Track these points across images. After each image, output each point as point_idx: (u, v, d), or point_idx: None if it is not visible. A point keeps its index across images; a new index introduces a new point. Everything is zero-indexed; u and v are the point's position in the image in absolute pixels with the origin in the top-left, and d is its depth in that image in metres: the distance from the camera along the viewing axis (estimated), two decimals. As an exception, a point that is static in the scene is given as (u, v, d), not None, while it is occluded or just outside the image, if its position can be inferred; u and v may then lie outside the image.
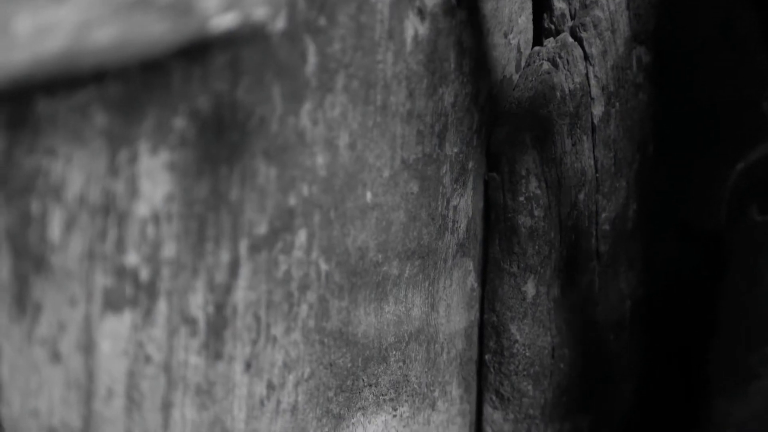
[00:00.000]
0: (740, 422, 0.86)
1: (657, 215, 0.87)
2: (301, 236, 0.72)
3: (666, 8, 0.84)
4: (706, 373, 0.89)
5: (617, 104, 0.83)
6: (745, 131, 0.86)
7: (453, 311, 0.84)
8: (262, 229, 0.69)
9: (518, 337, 0.84)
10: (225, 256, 0.68)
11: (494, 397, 0.86)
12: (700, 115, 0.87)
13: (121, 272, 0.64)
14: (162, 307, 0.66)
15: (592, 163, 0.83)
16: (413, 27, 0.74)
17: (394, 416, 0.82)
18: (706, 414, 0.88)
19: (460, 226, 0.81)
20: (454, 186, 0.78)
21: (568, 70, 0.81)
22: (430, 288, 0.80)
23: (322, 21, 0.69)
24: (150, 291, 0.66)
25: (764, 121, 0.87)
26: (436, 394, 0.84)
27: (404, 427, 0.82)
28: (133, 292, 0.65)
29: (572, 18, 0.82)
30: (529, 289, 0.83)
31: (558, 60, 0.81)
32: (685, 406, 0.91)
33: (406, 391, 0.82)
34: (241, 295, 0.70)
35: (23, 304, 0.62)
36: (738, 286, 0.86)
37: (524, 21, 0.82)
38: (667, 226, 0.87)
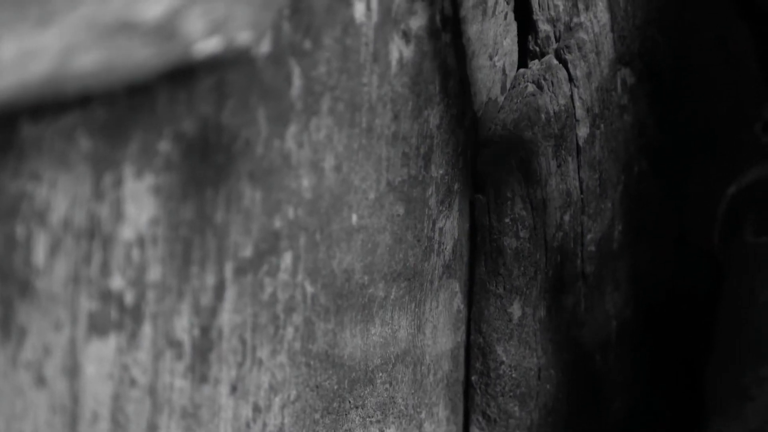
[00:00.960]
0: None
1: (651, 234, 0.88)
2: (287, 259, 0.72)
3: (654, 29, 0.85)
4: (701, 393, 0.89)
5: (602, 126, 0.84)
6: (740, 150, 0.87)
7: (439, 333, 0.84)
8: (247, 251, 0.70)
9: (504, 359, 0.84)
10: (210, 279, 0.68)
11: (481, 419, 0.86)
12: (695, 134, 0.87)
13: (106, 296, 0.64)
14: (147, 330, 0.66)
15: (578, 184, 0.83)
16: (398, 50, 0.74)
17: (381, 438, 0.82)
18: None
19: (446, 248, 0.81)
20: (440, 208, 0.79)
21: (552, 92, 0.81)
22: (417, 310, 0.81)
23: (307, 44, 0.69)
24: (135, 314, 0.66)
25: (758, 143, 0.87)
26: (422, 415, 0.84)
27: (391, 448, 0.83)
28: (118, 316, 0.65)
29: (557, 40, 0.82)
30: (515, 310, 0.83)
31: (543, 82, 0.81)
32: (680, 425, 0.91)
33: (392, 413, 0.82)
34: (226, 317, 0.70)
35: (8, 328, 0.62)
36: (732, 306, 0.86)
37: (509, 43, 0.82)
38: (662, 245, 0.88)
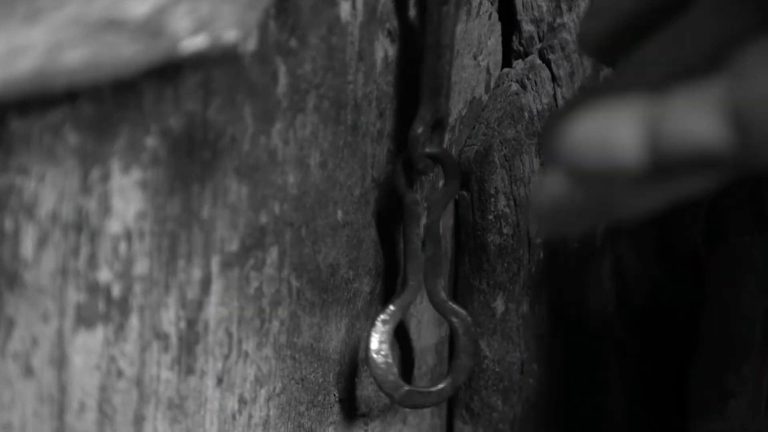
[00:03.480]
0: None
1: (634, 235, 0.88)
2: (273, 253, 0.73)
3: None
4: (684, 393, 0.90)
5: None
6: None
7: (424, 328, 0.85)
8: (233, 246, 0.71)
9: (488, 353, 0.85)
10: (197, 273, 0.69)
11: (464, 412, 0.87)
12: None
13: (94, 288, 0.65)
14: (134, 322, 0.67)
15: (560, 182, 0.84)
16: (383, 48, 0.75)
17: (365, 431, 0.83)
18: None
19: (430, 244, 0.82)
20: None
21: (536, 92, 0.82)
22: (401, 304, 0.81)
23: (293, 42, 0.70)
24: (122, 307, 0.67)
25: None
26: (406, 409, 0.85)
27: (376, 441, 0.84)
28: (106, 308, 0.66)
29: (540, 40, 0.83)
30: (499, 305, 0.84)
31: (526, 81, 0.82)
32: (663, 426, 0.92)
33: (377, 407, 0.83)
34: (212, 311, 0.71)
35: (-4, 319, 0.63)
36: (716, 306, 0.87)
37: (493, 43, 0.83)
38: (646, 246, 0.88)
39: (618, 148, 0.50)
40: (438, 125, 0.77)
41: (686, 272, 0.88)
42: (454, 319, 0.78)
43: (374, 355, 0.78)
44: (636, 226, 0.87)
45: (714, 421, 0.86)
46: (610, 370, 0.90)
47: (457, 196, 0.83)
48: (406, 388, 0.78)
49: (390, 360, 0.78)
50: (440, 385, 0.79)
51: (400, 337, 0.84)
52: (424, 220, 0.77)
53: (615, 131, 0.50)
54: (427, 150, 0.76)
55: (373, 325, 0.78)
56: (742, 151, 0.48)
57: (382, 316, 0.78)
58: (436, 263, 0.77)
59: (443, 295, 0.78)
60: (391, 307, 0.78)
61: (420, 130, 0.75)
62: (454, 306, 0.78)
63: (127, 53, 0.58)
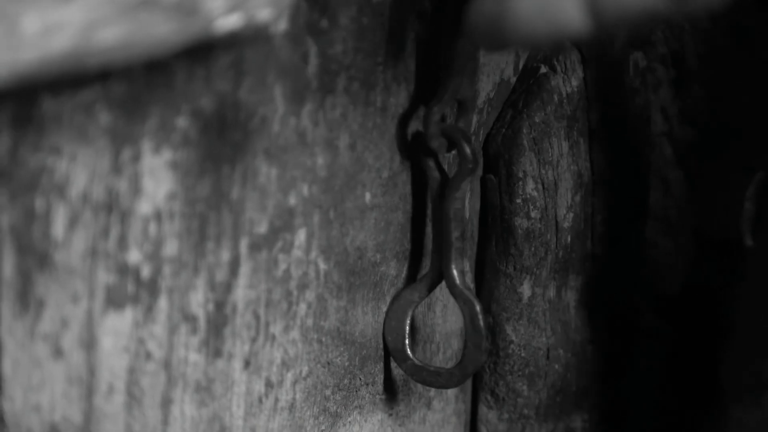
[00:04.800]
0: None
1: (669, 220, 0.87)
2: (301, 236, 0.72)
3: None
4: (720, 381, 0.89)
5: (614, 107, 0.84)
6: (760, 139, 0.86)
7: (449, 312, 0.84)
8: (262, 228, 0.70)
9: (513, 338, 0.85)
10: (225, 255, 0.69)
11: (489, 397, 0.87)
12: (717, 121, 0.87)
13: (123, 269, 0.65)
14: (163, 304, 0.67)
15: (589, 165, 0.84)
16: (413, 29, 0.75)
17: (390, 415, 0.82)
18: (721, 422, 0.88)
19: (457, 227, 0.82)
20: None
21: (565, 74, 0.82)
22: (427, 288, 0.81)
23: (324, 23, 0.70)
24: (151, 288, 0.66)
25: None
26: (431, 393, 0.85)
27: (400, 426, 0.83)
28: (135, 290, 0.66)
29: (570, 22, 0.82)
30: (525, 290, 0.84)
31: (556, 63, 0.82)
32: (696, 413, 0.91)
33: (402, 391, 0.82)
34: (241, 293, 0.70)
35: (26, 300, 0.62)
36: (756, 294, 0.86)
37: (523, 25, 0.83)
38: (682, 236, 0.88)
39: (563, 21, 0.56)
40: (461, 106, 0.76)
41: (722, 258, 0.87)
42: (462, 305, 0.77)
43: (391, 322, 0.78)
44: (670, 212, 0.87)
45: (750, 411, 0.85)
46: (640, 356, 0.89)
47: (484, 179, 0.83)
48: (417, 362, 0.78)
49: (404, 330, 0.78)
50: (451, 370, 0.78)
51: (426, 321, 0.83)
52: (445, 203, 0.76)
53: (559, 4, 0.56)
54: (440, 128, 0.75)
55: (393, 297, 0.78)
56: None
57: (402, 292, 0.78)
58: (449, 245, 0.76)
59: (455, 278, 0.77)
60: (413, 285, 0.78)
61: (435, 108, 0.74)
62: (464, 290, 0.77)
63: (161, 32, 0.58)
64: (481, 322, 0.77)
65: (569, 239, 0.84)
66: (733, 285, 0.87)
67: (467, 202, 0.82)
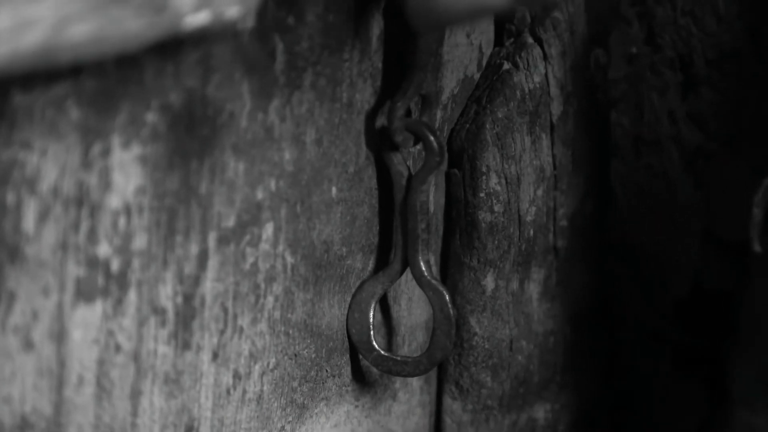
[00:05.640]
0: None
1: (679, 226, 0.88)
2: (268, 229, 0.73)
3: (688, 18, 0.84)
4: (725, 383, 0.89)
5: (575, 103, 0.85)
6: None
7: (414, 304, 0.85)
8: (230, 222, 0.71)
9: (477, 330, 0.86)
10: (194, 248, 0.70)
11: (453, 388, 0.88)
12: (725, 125, 0.87)
13: (93, 263, 0.66)
14: (132, 297, 0.68)
15: (551, 160, 0.85)
16: (378, 26, 0.76)
17: (356, 406, 0.83)
18: (728, 425, 0.88)
19: (422, 221, 0.83)
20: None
21: (528, 70, 0.83)
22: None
23: (291, 20, 0.71)
24: (121, 281, 0.67)
25: None
26: (397, 385, 0.86)
27: (366, 417, 0.84)
28: (105, 283, 0.66)
29: (532, 19, 0.84)
30: (489, 282, 0.85)
31: (518, 60, 0.83)
32: (703, 415, 0.91)
33: (368, 382, 0.84)
34: (209, 286, 0.71)
35: (-2, 293, 0.63)
36: (763, 296, 0.86)
37: (486, 22, 0.84)
38: (688, 238, 0.88)
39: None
40: (425, 101, 0.77)
41: (731, 260, 0.87)
42: (431, 294, 0.79)
43: (354, 314, 0.79)
44: (679, 214, 0.87)
45: (760, 414, 0.86)
46: (644, 358, 0.90)
47: (448, 173, 0.84)
48: (382, 352, 0.79)
49: (368, 322, 0.79)
50: (417, 358, 0.80)
51: (391, 314, 0.84)
52: (411, 196, 0.78)
53: None
54: (404, 122, 0.76)
55: (356, 289, 0.79)
56: None
57: (365, 284, 0.79)
58: (416, 237, 0.78)
59: (422, 269, 0.78)
60: (376, 277, 0.79)
61: (399, 103, 0.75)
62: (432, 281, 0.79)
63: (131, 28, 0.58)
64: (451, 311, 0.79)
65: (532, 233, 0.85)
66: (742, 287, 0.87)
67: (431, 195, 0.83)
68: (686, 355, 0.92)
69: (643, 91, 0.87)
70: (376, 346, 0.80)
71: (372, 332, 0.80)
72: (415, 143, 0.77)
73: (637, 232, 0.89)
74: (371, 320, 0.80)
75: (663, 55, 0.85)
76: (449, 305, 0.79)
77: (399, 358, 0.80)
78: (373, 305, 0.80)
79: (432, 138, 0.76)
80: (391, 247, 0.81)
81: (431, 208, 0.84)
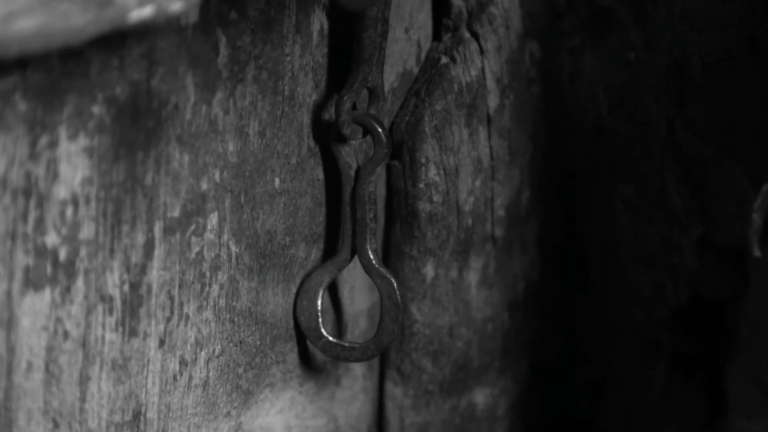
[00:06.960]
0: None
1: (678, 228, 0.89)
2: (213, 219, 0.75)
3: (686, 24, 0.84)
4: (724, 390, 0.90)
5: (511, 96, 0.88)
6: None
7: (357, 293, 0.88)
8: (176, 212, 0.73)
9: (418, 317, 0.88)
10: (140, 238, 0.72)
11: (396, 374, 0.90)
12: (721, 132, 0.87)
13: (42, 252, 0.67)
14: (80, 285, 0.69)
15: (488, 151, 0.87)
16: (319, 21, 0.78)
17: (300, 392, 0.85)
18: (726, 431, 0.89)
19: (363, 212, 0.85)
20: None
21: (465, 64, 0.85)
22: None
23: (233, 14, 0.73)
24: (69, 270, 0.69)
25: None
26: (340, 371, 0.88)
27: (310, 403, 0.86)
28: (53, 271, 0.68)
29: (469, 15, 0.86)
30: (429, 271, 0.87)
31: (456, 54, 0.85)
32: (700, 422, 0.92)
33: (312, 369, 0.86)
34: (155, 274, 0.73)
35: (-52, 281, 0.64)
36: (761, 303, 0.86)
37: (424, 17, 0.86)
38: (686, 245, 0.89)
39: None
40: (372, 94, 0.79)
41: (729, 267, 0.88)
42: (379, 282, 0.81)
43: (302, 302, 0.81)
44: (678, 221, 0.88)
45: (757, 422, 0.86)
46: (641, 366, 0.90)
47: (389, 165, 0.86)
48: (330, 339, 0.82)
49: (316, 309, 0.81)
50: (365, 344, 0.82)
51: (334, 302, 0.86)
52: (360, 186, 0.80)
53: None
54: (352, 115, 0.78)
55: (304, 278, 0.81)
56: None
57: (313, 273, 0.81)
58: (364, 226, 0.80)
59: (371, 257, 0.81)
60: (324, 266, 0.81)
61: (346, 97, 0.78)
62: (380, 268, 0.81)
63: (78, 22, 0.60)
64: (399, 297, 0.81)
65: (470, 222, 0.87)
66: (740, 294, 0.87)
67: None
68: (685, 363, 0.92)
69: (640, 97, 0.87)
70: (325, 332, 0.82)
71: (320, 319, 0.82)
72: (363, 135, 0.80)
73: (635, 239, 0.90)
74: (319, 308, 0.82)
75: (660, 61, 0.86)
76: (397, 292, 0.81)
77: (347, 344, 0.82)
78: (321, 293, 0.82)
79: (380, 130, 0.79)
80: (334, 236, 0.83)
81: (371, 196, 0.86)
